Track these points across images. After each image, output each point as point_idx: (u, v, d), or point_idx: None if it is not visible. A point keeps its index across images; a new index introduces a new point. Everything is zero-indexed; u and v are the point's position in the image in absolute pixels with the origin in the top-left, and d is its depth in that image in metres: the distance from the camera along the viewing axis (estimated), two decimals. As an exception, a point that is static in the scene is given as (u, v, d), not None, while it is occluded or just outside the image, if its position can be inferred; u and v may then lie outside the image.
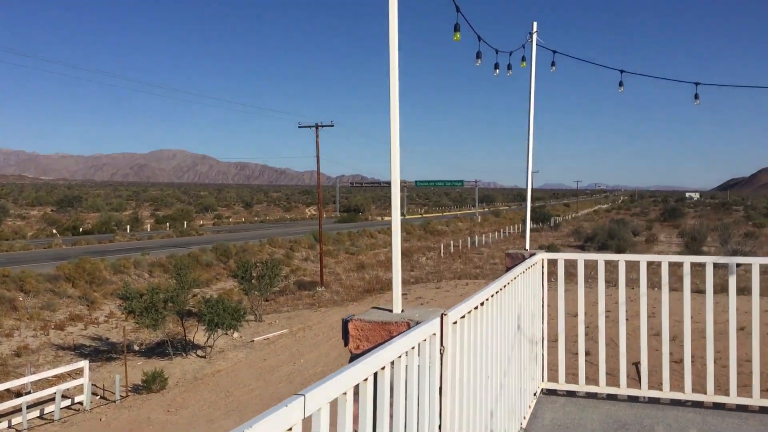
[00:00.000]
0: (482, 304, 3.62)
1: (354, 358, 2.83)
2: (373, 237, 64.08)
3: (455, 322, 3.06)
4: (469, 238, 62.66)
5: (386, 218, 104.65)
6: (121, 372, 21.42)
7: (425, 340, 2.67)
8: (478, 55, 5.32)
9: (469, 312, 3.33)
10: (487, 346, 3.74)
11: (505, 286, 4.39)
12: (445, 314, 2.93)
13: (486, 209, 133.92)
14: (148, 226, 77.62)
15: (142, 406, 18.83)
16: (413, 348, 2.52)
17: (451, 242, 59.09)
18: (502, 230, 74.61)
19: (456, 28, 4.26)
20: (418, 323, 2.75)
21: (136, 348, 25.94)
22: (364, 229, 67.82)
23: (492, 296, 3.92)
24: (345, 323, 2.88)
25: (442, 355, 2.89)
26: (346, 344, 2.90)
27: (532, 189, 7.19)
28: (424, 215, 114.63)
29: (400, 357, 2.37)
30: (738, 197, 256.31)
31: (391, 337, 2.77)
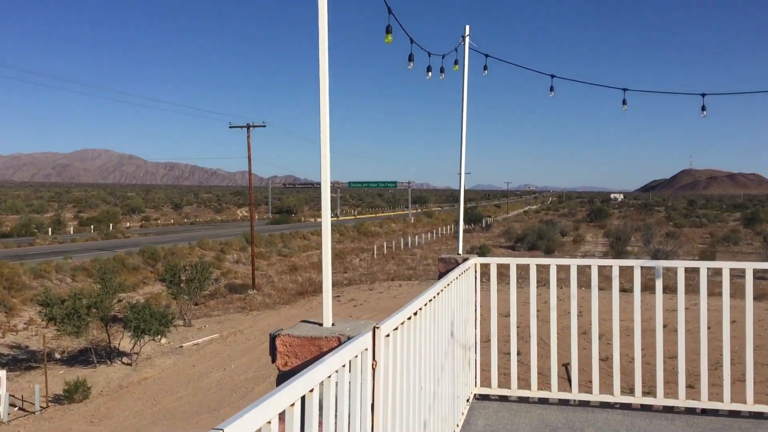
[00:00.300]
0: (415, 314, 3.52)
1: (281, 375, 2.69)
2: (306, 239, 63.59)
3: (387, 335, 2.95)
4: (402, 239, 62.93)
5: (319, 219, 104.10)
6: (41, 382, 20.49)
7: (357, 356, 2.55)
8: (411, 58, 5.24)
9: (402, 323, 3.23)
10: (420, 356, 3.65)
11: (438, 294, 4.31)
12: (378, 327, 2.81)
13: (419, 210, 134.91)
14: (72, 228, 74.85)
15: (63, 418, 18.05)
16: (344, 366, 2.39)
17: (385, 243, 59.20)
18: (434, 231, 75.26)
19: (388, 30, 4.16)
20: (349, 338, 2.63)
21: (58, 356, 24.89)
22: (296, 230, 67.25)
23: (425, 305, 3.83)
24: (272, 339, 2.73)
25: (374, 370, 2.78)
26: (273, 360, 2.74)
27: (465, 191, 7.18)
28: (358, 216, 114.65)
29: (330, 377, 2.24)
30: (659, 198, 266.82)
31: (321, 353, 2.64)
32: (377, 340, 2.81)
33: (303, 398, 2.07)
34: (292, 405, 1.91)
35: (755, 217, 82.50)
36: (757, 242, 53.95)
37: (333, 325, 2.87)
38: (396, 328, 3.10)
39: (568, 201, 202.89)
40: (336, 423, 2.37)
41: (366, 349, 2.66)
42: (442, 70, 5.94)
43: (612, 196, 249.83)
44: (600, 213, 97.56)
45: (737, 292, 6.23)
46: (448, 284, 4.77)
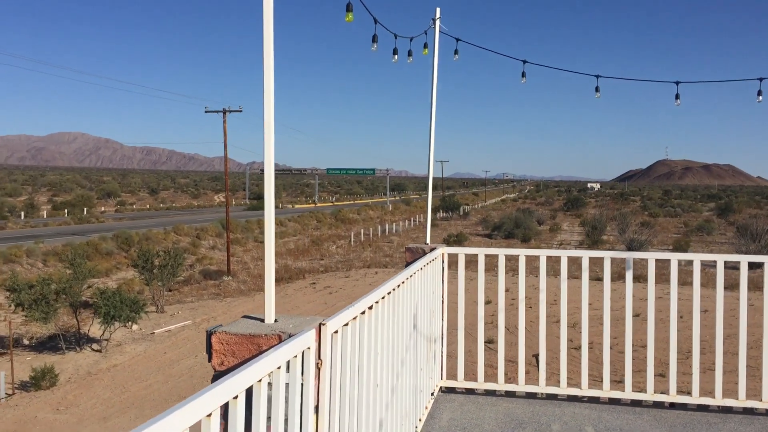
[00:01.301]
0: (371, 307, 3.34)
1: (217, 376, 2.49)
2: (283, 225, 63.19)
3: (336, 332, 2.76)
4: (379, 227, 62.78)
5: (297, 206, 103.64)
6: (8, 368, 20.08)
7: (296, 356, 2.36)
8: (374, 39, 5.02)
9: (354, 318, 3.05)
10: (376, 352, 3.47)
11: (399, 285, 4.14)
12: (324, 324, 2.63)
13: (397, 198, 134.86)
14: (45, 212, 73.74)
15: (29, 405, 17.69)
16: (279, 368, 2.20)
17: (362, 231, 59.02)
18: (412, 219, 75.18)
19: (348, 8, 3.95)
20: (290, 336, 2.44)
21: (26, 342, 24.43)
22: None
23: (384, 297, 3.65)
24: (209, 335, 2.53)
25: (319, 369, 2.59)
26: (210, 359, 2.55)
27: (433, 178, 7.00)
28: (336, 203, 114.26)
29: (260, 381, 2.05)
30: (635, 188, 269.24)
31: (261, 352, 2.45)
32: (323, 337, 2.63)
33: (227, 406, 1.89)
34: (209, 416, 1.71)
35: (728, 207, 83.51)
36: (730, 232, 54.53)
37: (276, 321, 2.68)
38: (346, 324, 2.92)
39: (546, 190, 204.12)
40: (269, 430, 2.18)
41: (308, 348, 2.47)
42: (409, 54, 5.73)
43: (589, 185, 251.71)
44: (577, 202, 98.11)
45: (710, 281, 6.13)
46: (411, 275, 4.60)
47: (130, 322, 23.70)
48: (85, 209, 74.07)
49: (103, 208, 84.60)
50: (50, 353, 22.86)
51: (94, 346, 23.64)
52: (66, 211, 72.65)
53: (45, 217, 69.91)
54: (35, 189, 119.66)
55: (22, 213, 67.68)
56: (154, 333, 25.46)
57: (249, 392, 2.04)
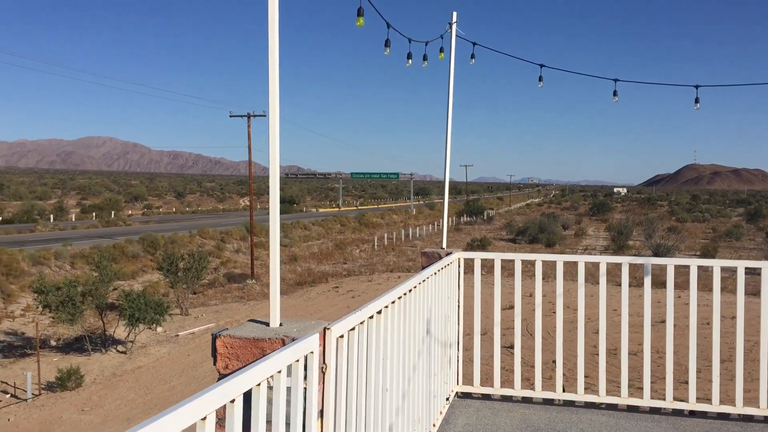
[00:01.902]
0: (379, 312, 3.34)
1: (222, 379, 2.50)
2: (307, 229, 63.44)
3: (341, 336, 2.76)
4: (403, 231, 62.75)
5: (321, 210, 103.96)
6: (34, 369, 20.39)
7: (298, 360, 2.37)
8: (387, 44, 5.03)
9: (362, 323, 3.04)
10: (385, 356, 3.46)
11: (411, 290, 4.13)
12: (328, 328, 2.63)
13: (421, 202, 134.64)
14: (73, 215, 74.83)
15: (54, 405, 17.95)
16: (279, 372, 2.21)
17: (386, 235, 59.03)
18: (436, 223, 75.00)
19: (359, 13, 3.96)
20: (294, 340, 2.45)
21: (53, 343, 24.80)
22: (297, 220, 67.08)
23: (393, 302, 3.65)
24: (214, 339, 2.55)
25: (323, 373, 2.59)
26: (215, 363, 2.57)
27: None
28: (360, 207, 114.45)
29: (259, 385, 2.06)
30: (663, 193, 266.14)
31: (264, 356, 2.46)
32: (328, 341, 2.63)
33: (223, 410, 1.89)
34: (204, 419, 1.72)
35: (758, 212, 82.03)
36: (759, 238, 53.64)
37: (280, 325, 2.69)
38: (353, 328, 2.92)
39: (571, 194, 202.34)
40: None
41: (311, 352, 2.48)
42: (425, 58, 5.73)
43: (615, 190, 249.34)
44: (602, 207, 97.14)
45: (734, 287, 6.02)
46: (424, 280, 4.58)
47: (154, 325, 23.95)
48: (113, 212, 75.05)
49: (130, 212, 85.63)
50: (76, 354, 23.17)
51: (119, 347, 23.92)
52: (94, 214, 73.66)
53: (74, 220, 70.93)
54: (64, 192, 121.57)
55: (52, 216, 68.74)
56: (178, 335, 25.69)
57: (249, 396, 2.05)
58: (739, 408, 5.41)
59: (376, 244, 54.61)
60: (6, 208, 73.86)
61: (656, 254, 39.75)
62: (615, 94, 6.11)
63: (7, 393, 19.47)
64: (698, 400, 5.52)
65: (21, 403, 18.74)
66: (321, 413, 2.58)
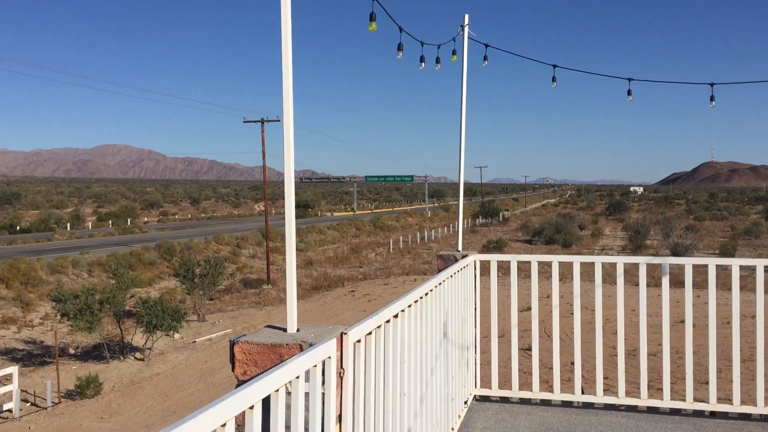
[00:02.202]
0: (396, 316, 3.33)
1: (240, 385, 2.51)
2: (322, 233, 63.55)
3: (359, 341, 2.76)
4: (418, 234, 62.69)
5: (336, 213, 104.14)
6: (55, 377, 20.57)
7: (316, 365, 2.37)
8: (400, 47, 5.04)
9: (379, 327, 3.04)
10: (403, 361, 3.46)
11: (427, 293, 4.12)
12: (345, 333, 2.63)
13: (436, 204, 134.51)
14: (90, 223, 75.47)
15: (74, 413, 18.08)
16: (297, 377, 2.21)
17: (401, 238, 59.00)
18: (451, 225, 74.89)
19: (372, 18, 3.97)
20: (312, 345, 2.45)
21: (72, 351, 25.00)
22: (313, 225, 67.25)
23: (410, 306, 3.64)
24: (231, 345, 2.56)
25: (341, 378, 2.59)
26: (233, 369, 2.57)
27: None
28: (374, 210, 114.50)
29: (278, 390, 2.06)
30: (680, 191, 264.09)
31: (282, 362, 2.46)
32: (345, 346, 2.63)
33: (242, 417, 1.90)
34: (224, 426, 1.72)
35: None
36: (779, 235, 53.08)
37: (298, 330, 2.69)
38: (370, 333, 2.91)
39: (587, 194, 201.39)
40: None
41: (329, 357, 2.48)
42: (437, 61, 5.72)
43: (632, 189, 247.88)
44: (619, 206, 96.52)
45: (754, 286, 5.95)
46: (440, 283, 4.57)
47: (171, 331, 24.07)
48: (129, 220, 75.62)
49: (146, 219, 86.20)
50: (95, 362, 23.34)
51: (137, 354, 24.07)
52: (110, 222, 74.27)
53: (90, 228, 71.55)
54: (81, 201, 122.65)
55: (69, 224, 69.37)
56: (195, 342, 25.81)
57: (268, 402, 2.05)
58: (760, 408, 5.34)
59: (391, 247, 54.61)
60: (23, 218, 74.59)
61: (674, 253, 39.39)
62: (629, 93, 6.08)
63: (28, 401, 19.64)
64: (719, 400, 5.47)
65: (41, 411, 18.90)
66: (339, 418, 2.58)
